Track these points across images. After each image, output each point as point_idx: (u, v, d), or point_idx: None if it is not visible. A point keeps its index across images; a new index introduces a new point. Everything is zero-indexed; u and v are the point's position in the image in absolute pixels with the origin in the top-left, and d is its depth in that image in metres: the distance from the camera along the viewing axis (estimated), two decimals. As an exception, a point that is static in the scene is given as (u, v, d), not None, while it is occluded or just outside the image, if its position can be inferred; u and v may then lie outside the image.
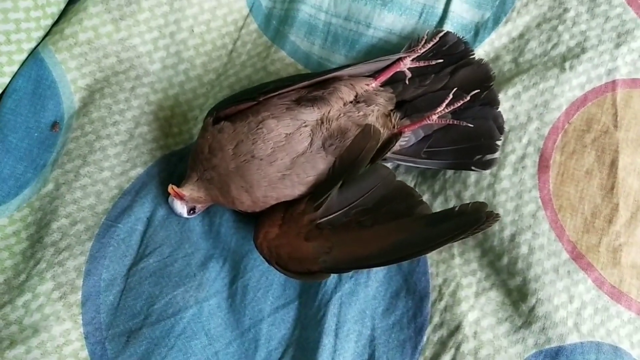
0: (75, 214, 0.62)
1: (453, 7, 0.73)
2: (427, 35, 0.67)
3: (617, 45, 0.69)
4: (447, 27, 0.72)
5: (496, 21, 0.73)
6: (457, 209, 0.57)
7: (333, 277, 0.62)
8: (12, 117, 0.65)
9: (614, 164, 0.65)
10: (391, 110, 0.65)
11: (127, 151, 0.66)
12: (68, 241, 0.61)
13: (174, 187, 0.60)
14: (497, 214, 0.57)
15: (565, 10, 0.72)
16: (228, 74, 0.72)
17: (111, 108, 0.67)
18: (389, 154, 0.62)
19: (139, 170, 0.66)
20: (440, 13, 0.73)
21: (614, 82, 0.68)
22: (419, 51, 0.66)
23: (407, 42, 0.69)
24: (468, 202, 0.62)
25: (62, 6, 0.69)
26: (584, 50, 0.69)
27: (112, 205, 0.64)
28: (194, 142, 0.68)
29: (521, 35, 0.72)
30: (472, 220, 0.56)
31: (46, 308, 0.58)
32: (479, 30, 0.73)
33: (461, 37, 0.68)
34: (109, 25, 0.68)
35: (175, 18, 0.71)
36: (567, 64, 0.68)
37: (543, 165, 0.65)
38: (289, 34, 0.73)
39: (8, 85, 0.66)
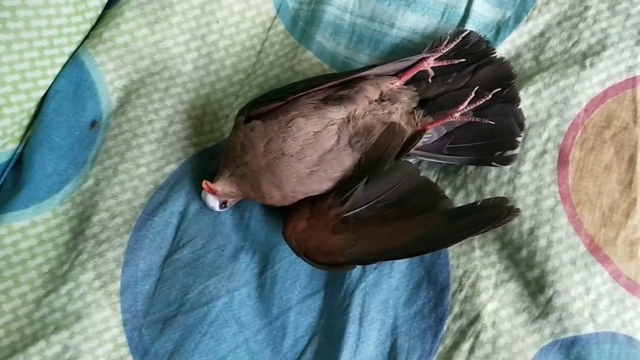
0: (114, 208, 0.66)
1: (475, 6, 0.74)
2: (449, 35, 0.69)
3: (638, 42, 0.70)
4: (469, 26, 0.73)
5: (517, 20, 0.74)
6: (479, 203, 0.60)
7: (358, 269, 0.65)
8: (55, 116, 0.68)
9: (632, 160, 0.66)
10: (414, 108, 0.67)
11: (161, 148, 0.69)
12: (108, 234, 0.65)
13: (208, 182, 0.63)
14: (518, 208, 0.59)
15: (586, 8, 0.73)
16: (257, 74, 0.75)
17: (146, 107, 0.71)
18: (412, 150, 0.65)
19: (173, 166, 0.69)
20: (462, 12, 0.75)
21: (634, 78, 0.69)
22: (441, 51, 0.68)
23: (430, 41, 0.71)
24: (489, 196, 0.65)
25: (100, 11, 0.72)
26: (604, 48, 0.70)
27: (148, 200, 0.67)
28: (225, 139, 0.71)
29: (542, 34, 0.74)
30: (494, 214, 0.58)
31: (88, 296, 0.62)
32: (500, 29, 0.74)
33: (483, 36, 0.70)
34: (145, 28, 0.72)
35: (206, 21, 0.74)
36: (587, 62, 0.70)
37: (562, 161, 0.67)
38: (315, 35, 0.76)
39: (50, 86, 0.69)
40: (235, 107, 0.73)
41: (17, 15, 0.63)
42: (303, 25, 0.77)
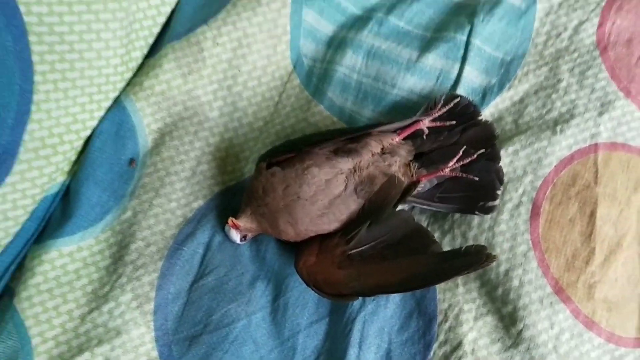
0: (149, 238, 0.74)
1: (465, 73, 0.83)
2: (442, 100, 0.78)
3: (600, 114, 0.80)
4: (460, 90, 0.83)
5: (501, 87, 0.84)
6: (463, 249, 0.68)
7: (359, 299, 0.73)
8: (99, 154, 0.76)
9: (592, 215, 0.76)
10: (411, 160, 0.75)
11: (190, 186, 0.77)
12: (143, 260, 0.72)
13: (233, 219, 0.72)
14: (495, 255, 0.66)
15: (559, 80, 0.83)
16: (274, 123, 0.83)
17: (178, 149, 0.79)
18: (407, 198, 0.74)
19: (200, 202, 0.77)
20: (454, 77, 0.84)
21: (596, 145, 0.79)
22: (435, 114, 0.77)
23: (426, 102, 0.79)
24: (472, 241, 0.74)
25: (141, 61, 0.80)
26: (572, 117, 0.80)
27: (179, 231, 0.75)
28: (245, 179, 0.79)
29: (521, 100, 0.83)
30: (475, 259, 0.66)
31: (126, 315, 0.70)
32: (486, 94, 0.84)
33: (471, 100, 0.79)
34: (179, 79, 0.80)
35: (232, 74, 0.82)
36: (558, 128, 0.79)
37: (534, 213, 0.76)
38: (326, 91, 0.84)
39: (96, 127, 0.76)
40: (255, 150, 0.81)
41: (74, 66, 0.70)
42: (316, 81, 0.85)
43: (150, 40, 0.81)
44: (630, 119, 0.81)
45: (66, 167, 0.75)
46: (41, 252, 0.71)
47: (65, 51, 0.69)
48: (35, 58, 0.66)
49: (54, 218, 0.74)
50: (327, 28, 0.87)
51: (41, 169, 0.71)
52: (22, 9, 0.63)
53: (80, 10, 0.68)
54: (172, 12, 0.83)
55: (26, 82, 0.66)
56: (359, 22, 0.87)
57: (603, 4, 0.86)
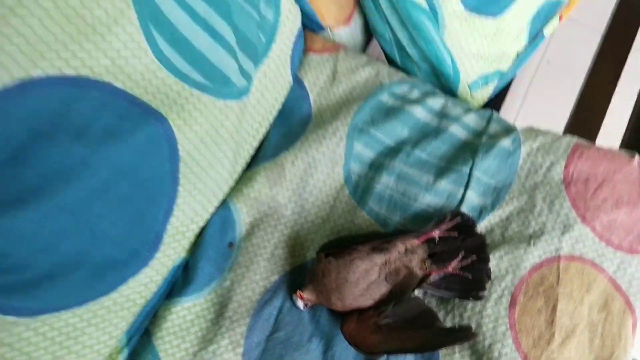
0: (241, 300, 0.98)
1: (467, 195, 1.07)
2: (450, 215, 1.01)
3: (563, 233, 1.01)
4: (463, 207, 1.06)
5: (493, 207, 1.07)
6: (457, 327, 0.92)
7: (385, 356, 0.94)
8: (210, 239, 1.01)
9: (554, 308, 0.96)
10: (425, 258, 0.98)
11: (270, 265, 1.01)
12: (237, 317, 0.96)
13: (300, 292, 0.96)
14: (477, 334, 0.88)
15: (534, 206, 1.05)
16: (329, 221, 1.07)
17: (263, 237, 1.04)
18: (422, 286, 0.98)
19: (276, 277, 1.01)
20: (459, 197, 1.07)
21: (559, 256, 1.00)
22: (444, 227, 1.01)
23: (437, 214, 1.03)
24: (466, 321, 0.96)
25: (240, 174, 1.08)
26: (542, 234, 1.02)
27: (261, 297, 0.98)
28: (307, 261, 1.02)
29: (507, 218, 1.06)
30: (464, 335, 0.89)
31: (224, 355, 0.93)
32: (482, 212, 1.06)
33: (470, 216, 1.03)
34: (267, 188, 1.06)
35: (303, 185, 1.06)
36: (532, 241, 1.01)
37: (512, 303, 0.97)
38: (368, 201, 1.07)
39: (209, 220, 1.02)
40: (315, 241, 1.04)
41: (202, 180, 0.97)
42: (360, 193, 1.09)
43: (248, 159, 1.09)
44: (585, 239, 1.03)
45: (187, 246, 1.01)
46: (170, 306, 0.95)
47: (199, 172, 0.96)
48: (180, 176, 0.93)
49: (178, 282, 0.99)
50: (370, 154, 1.12)
51: (174, 248, 0.96)
52: (180, 147, 0.90)
53: (210, 143, 0.95)
54: (263, 141, 1.10)
55: (173, 192, 0.92)
56: (393, 152, 1.12)
57: (569, 150, 1.10)
